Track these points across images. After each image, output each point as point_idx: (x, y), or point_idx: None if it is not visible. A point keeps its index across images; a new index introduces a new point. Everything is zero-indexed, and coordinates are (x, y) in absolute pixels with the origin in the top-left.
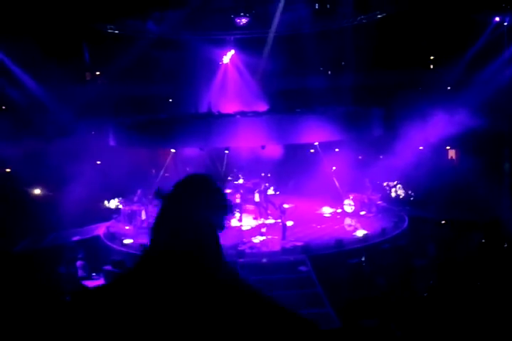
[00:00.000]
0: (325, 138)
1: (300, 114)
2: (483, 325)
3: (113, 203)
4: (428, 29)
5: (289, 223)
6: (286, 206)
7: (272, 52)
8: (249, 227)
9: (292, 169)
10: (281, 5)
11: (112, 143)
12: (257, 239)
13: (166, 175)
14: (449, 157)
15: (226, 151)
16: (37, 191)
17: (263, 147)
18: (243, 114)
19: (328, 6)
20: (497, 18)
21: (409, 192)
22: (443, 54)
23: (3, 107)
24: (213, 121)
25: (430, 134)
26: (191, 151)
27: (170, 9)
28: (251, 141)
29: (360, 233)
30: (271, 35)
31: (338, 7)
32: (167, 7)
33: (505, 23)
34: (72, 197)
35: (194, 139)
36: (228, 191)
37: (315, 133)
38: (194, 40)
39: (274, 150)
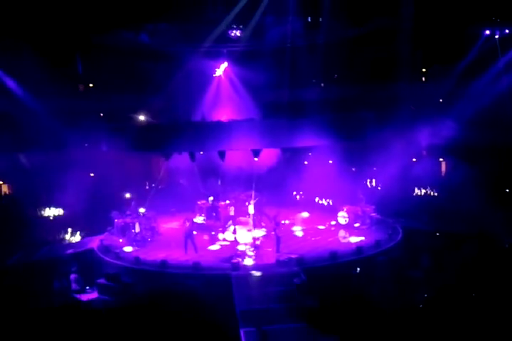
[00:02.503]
0: (315, 142)
1: (289, 119)
2: (479, 336)
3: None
4: (419, 42)
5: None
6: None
7: (264, 65)
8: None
9: (286, 180)
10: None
11: (104, 148)
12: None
13: (160, 187)
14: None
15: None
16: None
17: (256, 155)
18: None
19: (320, 19)
20: (487, 31)
21: None
22: (434, 66)
23: None
24: (208, 126)
25: (421, 146)
26: (183, 163)
27: (163, 22)
28: (245, 145)
29: (355, 239)
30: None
31: (331, 20)
32: (160, 20)
33: (497, 36)
34: (66, 210)
35: (189, 144)
36: (222, 203)
37: (306, 138)
38: (187, 53)
39: (266, 161)
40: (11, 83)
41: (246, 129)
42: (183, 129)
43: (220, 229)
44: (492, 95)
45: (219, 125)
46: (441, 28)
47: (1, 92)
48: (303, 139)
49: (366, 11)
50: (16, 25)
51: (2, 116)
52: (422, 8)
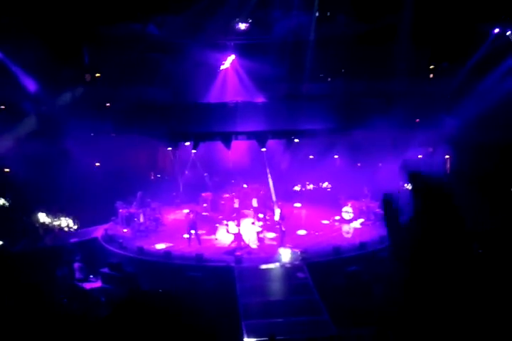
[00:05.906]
0: (319, 125)
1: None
2: (482, 332)
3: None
4: (428, 39)
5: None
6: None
7: (271, 58)
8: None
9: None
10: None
11: (109, 131)
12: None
13: (165, 177)
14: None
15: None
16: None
17: (262, 145)
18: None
19: (328, 13)
20: (497, 30)
21: None
22: (443, 64)
23: (2, 107)
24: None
25: (426, 142)
26: (188, 155)
27: (171, 14)
28: (249, 127)
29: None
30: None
31: (339, 15)
32: (168, 11)
33: (509, 33)
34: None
35: (194, 125)
36: (227, 195)
37: (310, 121)
38: (194, 45)
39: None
40: (17, 70)
41: (251, 111)
42: (188, 110)
43: (224, 221)
44: (500, 94)
45: (224, 106)
46: (451, 25)
47: (7, 80)
48: (307, 122)
49: (375, 7)
50: (23, 16)
51: (7, 104)
52: (432, 6)
